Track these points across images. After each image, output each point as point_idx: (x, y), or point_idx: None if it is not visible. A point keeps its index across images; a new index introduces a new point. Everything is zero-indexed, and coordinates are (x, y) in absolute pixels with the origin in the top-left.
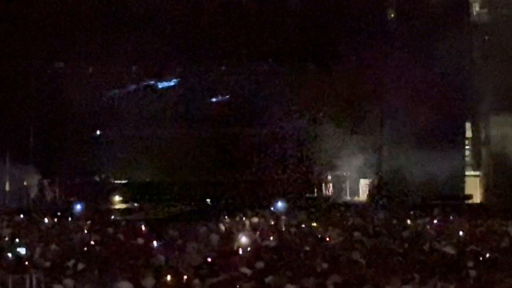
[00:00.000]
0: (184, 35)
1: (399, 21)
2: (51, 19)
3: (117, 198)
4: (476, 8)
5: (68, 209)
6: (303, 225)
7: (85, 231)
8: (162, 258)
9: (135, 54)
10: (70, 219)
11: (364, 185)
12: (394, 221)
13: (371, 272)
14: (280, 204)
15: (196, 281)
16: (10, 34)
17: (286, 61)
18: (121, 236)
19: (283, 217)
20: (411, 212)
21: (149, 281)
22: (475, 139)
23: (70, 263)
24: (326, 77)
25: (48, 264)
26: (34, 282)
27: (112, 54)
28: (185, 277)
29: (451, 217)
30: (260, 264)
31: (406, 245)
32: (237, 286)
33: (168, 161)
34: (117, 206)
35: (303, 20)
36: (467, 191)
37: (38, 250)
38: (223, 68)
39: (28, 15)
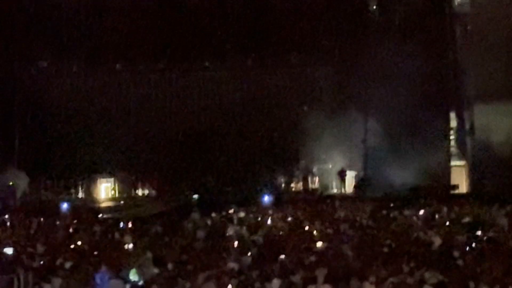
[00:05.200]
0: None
1: (381, 13)
2: (35, 17)
3: (103, 194)
4: None
5: (54, 208)
6: (290, 219)
7: (72, 230)
8: (149, 254)
9: (119, 53)
10: (57, 218)
11: (350, 177)
12: (381, 213)
13: (359, 264)
14: (267, 198)
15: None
16: None
17: (270, 54)
18: (108, 235)
19: (270, 211)
20: (398, 204)
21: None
22: (459, 129)
23: (58, 262)
24: (309, 70)
25: (35, 264)
26: (22, 282)
27: (96, 53)
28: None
29: (437, 208)
30: (247, 259)
31: (393, 237)
32: (225, 281)
33: (154, 157)
34: (103, 204)
35: (284, 16)
36: (453, 181)
37: (25, 250)
38: (206, 64)
39: (9, 15)
